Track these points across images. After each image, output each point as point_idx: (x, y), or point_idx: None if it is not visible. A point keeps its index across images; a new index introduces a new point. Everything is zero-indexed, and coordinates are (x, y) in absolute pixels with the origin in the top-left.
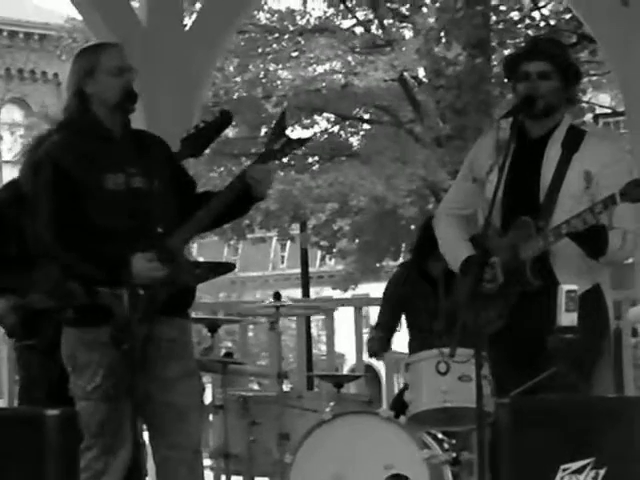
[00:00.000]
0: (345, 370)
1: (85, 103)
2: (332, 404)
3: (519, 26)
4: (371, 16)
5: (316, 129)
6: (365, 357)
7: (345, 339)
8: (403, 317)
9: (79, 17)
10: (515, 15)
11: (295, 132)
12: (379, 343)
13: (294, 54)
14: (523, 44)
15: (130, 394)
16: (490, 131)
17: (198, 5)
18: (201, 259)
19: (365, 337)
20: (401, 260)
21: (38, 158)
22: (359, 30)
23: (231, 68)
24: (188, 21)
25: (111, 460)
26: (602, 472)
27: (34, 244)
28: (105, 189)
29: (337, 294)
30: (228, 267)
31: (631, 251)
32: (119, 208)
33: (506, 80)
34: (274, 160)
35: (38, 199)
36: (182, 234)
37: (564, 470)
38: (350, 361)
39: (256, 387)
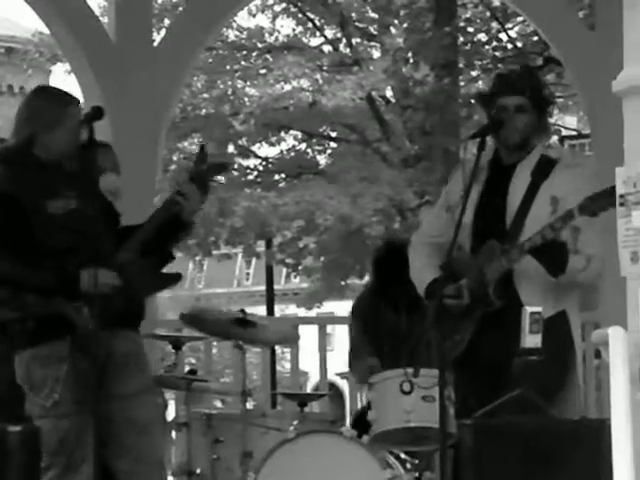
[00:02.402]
0: (309, 388)
1: (32, 146)
2: (296, 423)
3: (486, 47)
4: (339, 35)
5: (283, 147)
6: (329, 375)
7: (309, 357)
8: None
9: (46, 31)
10: (482, 37)
11: (262, 149)
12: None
13: (262, 71)
14: (490, 65)
15: (92, 409)
16: (462, 163)
17: (167, 22)
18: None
19: (329, 355)
20: (366, 279)
21: None
22: (327, 49)
23: (199, 84)
24: (157, 37)
25: (73, 478)
26: None
27: None
28: (48, 213)
29: (302, 312)
30: (175, 277)
31: (596, 276)
32: (63, 229)
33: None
34: (202, 180)
35: None
36: (128, 247)
37: None
38: (314, 379)
39: (219, 405)
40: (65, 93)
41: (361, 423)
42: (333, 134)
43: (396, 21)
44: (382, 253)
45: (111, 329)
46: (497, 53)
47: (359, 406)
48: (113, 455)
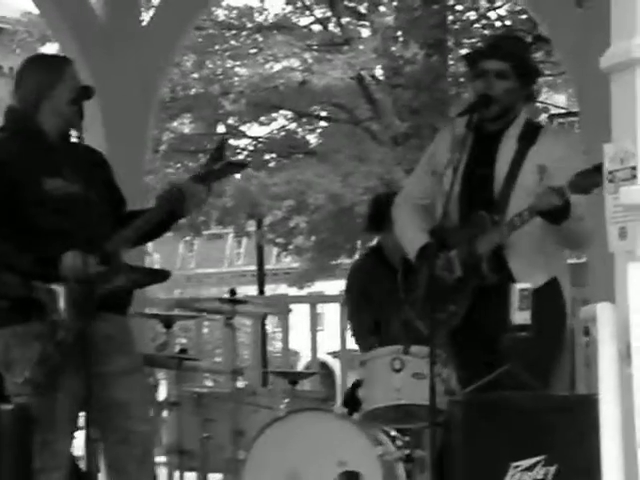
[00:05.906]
0: (300, 367)
1: (36, 112)
2: (286, 401)
3: (475, 26)
4: (329, 14)
5: (273, 126)
6: (320, 354)
7: (300, 336)
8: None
9: (35, 11)
10: (472, 15)
11: (252, 129)
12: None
13: (252, 51)
14: (480, 43)
15: (65, 388)
16: (447, 127)
17: (156, 1)
18: (156, 255)
19: (320, 334)
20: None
21: None
22: (317, 28)
23: (188, 64)
24: (146, 17)
25: (48, 456)
26: (552, 469)
27: None
28: (44, 190)
29: (293, 291)
30: (164, 274)
31: (587, 234)
32: (57, 210)
33: (464, 78)
34: (213, 180)
35: None
36: (120, 238)
37: (515, 467)
38: (305, 358)
39: (210, 384)
40: (56, 55)
41: (351, 401)
42: (323, 113)
43: (385, 0)
44: (383, 196)
45: (91, 313)
46: (486, 31)
47: (350, 385)
48: (101, 434)
